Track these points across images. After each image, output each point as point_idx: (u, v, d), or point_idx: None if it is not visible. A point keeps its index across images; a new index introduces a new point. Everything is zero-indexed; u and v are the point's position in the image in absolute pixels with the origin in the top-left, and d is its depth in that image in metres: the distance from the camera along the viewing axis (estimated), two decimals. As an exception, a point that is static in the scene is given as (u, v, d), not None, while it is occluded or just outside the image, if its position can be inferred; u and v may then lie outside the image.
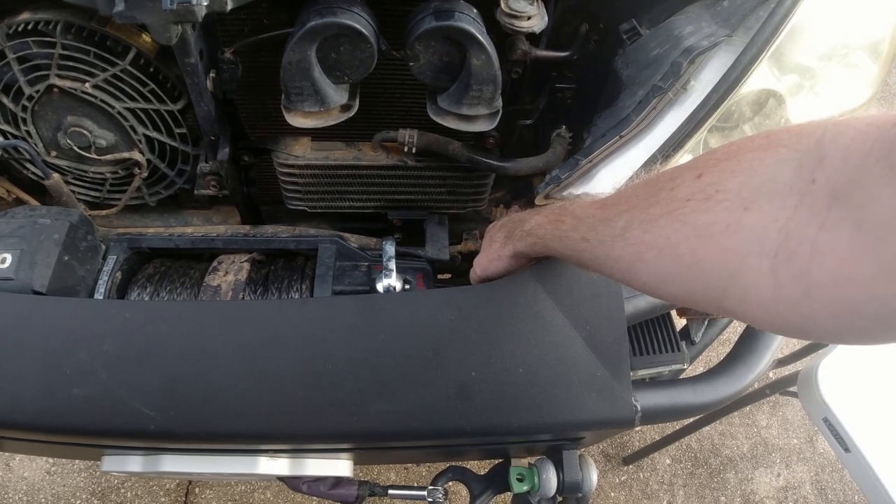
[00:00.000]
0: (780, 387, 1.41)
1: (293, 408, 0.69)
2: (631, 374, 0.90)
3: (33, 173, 0.95)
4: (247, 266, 0.90)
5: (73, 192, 0.98)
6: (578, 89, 1.01)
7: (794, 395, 1.28)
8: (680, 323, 0.98)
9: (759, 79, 0.80)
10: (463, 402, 0.70)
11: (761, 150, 0.43)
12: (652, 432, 1.87)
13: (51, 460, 1.69)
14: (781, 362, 1.61)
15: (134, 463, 0.81)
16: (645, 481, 1.81)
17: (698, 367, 1.13)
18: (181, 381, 0.69)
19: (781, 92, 0.84)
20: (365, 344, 0.71)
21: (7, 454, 1.67)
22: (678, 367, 0.92)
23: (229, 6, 0.71)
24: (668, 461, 1.86)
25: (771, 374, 1.79)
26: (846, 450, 1.12)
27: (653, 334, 0.92)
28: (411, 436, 0.71)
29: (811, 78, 0.87)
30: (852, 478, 1.14)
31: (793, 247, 0.38)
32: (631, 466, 1.83)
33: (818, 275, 0.37)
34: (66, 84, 0.84)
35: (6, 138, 0.91)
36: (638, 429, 1.90)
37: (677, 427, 1.67)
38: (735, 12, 0.83)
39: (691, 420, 1.60)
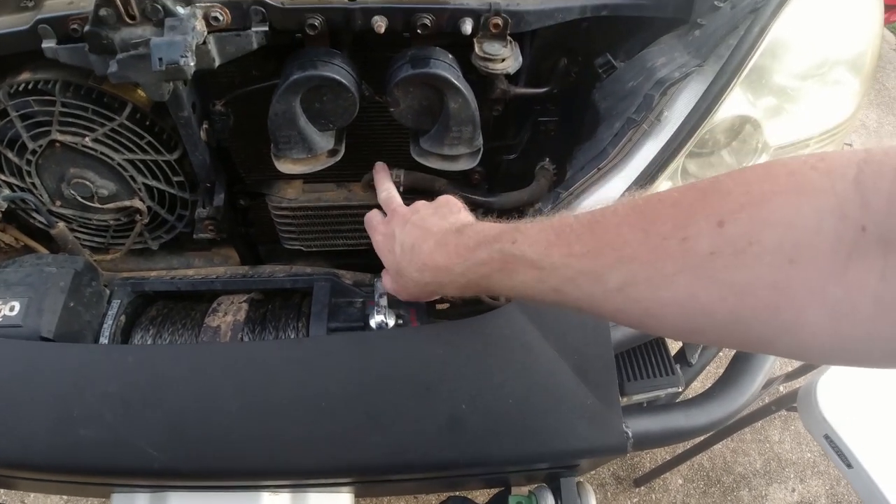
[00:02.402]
0: (786, 402, 1.40)
1: (290, 444, 0.71)
2: (625, 399, 0.91)
3: (40, 222, 0.99)
4: (245, 306, 0.92)
5: (78, 238, 1.02)
6: (561, 122, 1.04)
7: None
8: (675, 346, 0.99)
9: (733, 106, 0.81)
10: (453, 434, 0.71)
11: (792, 193, 0.40)
12: (663, 452, 1.86)
13: (65, 497, 1.71)
14: (789, 377, 1.60)
15: (142, 500, 0.83)
16: (657, 502, 1.80)
17: (707, 383, 1.13)
18: (184, 421, 0.71)
19: (757, 118, 0.85)
20: (358, 381, 0.73)
21: (22, 492, 1.69)
22: (673, 390, 0.92)
23: (217, 63, 0.75)
24: (680, 481, 1.84)
25: (781, 388, 1.78)
26: (849, 466, 1.11)
27: (646, 358, 0.93)
28: (404, 469, 0.72)
29: (790, 99, 0.88)
30: (856, 493, 1.14)
31: (855, 300, 0.38)
32: (643, 488, 1.82)
33: (882, 325, 0.38)
34: (67, 139, 0.88)
35: (13, 190, 0.95)
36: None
37: (688, 446, 1.66)
38: (706, 42, 0.84)
39: (702, 438, 1.59)
